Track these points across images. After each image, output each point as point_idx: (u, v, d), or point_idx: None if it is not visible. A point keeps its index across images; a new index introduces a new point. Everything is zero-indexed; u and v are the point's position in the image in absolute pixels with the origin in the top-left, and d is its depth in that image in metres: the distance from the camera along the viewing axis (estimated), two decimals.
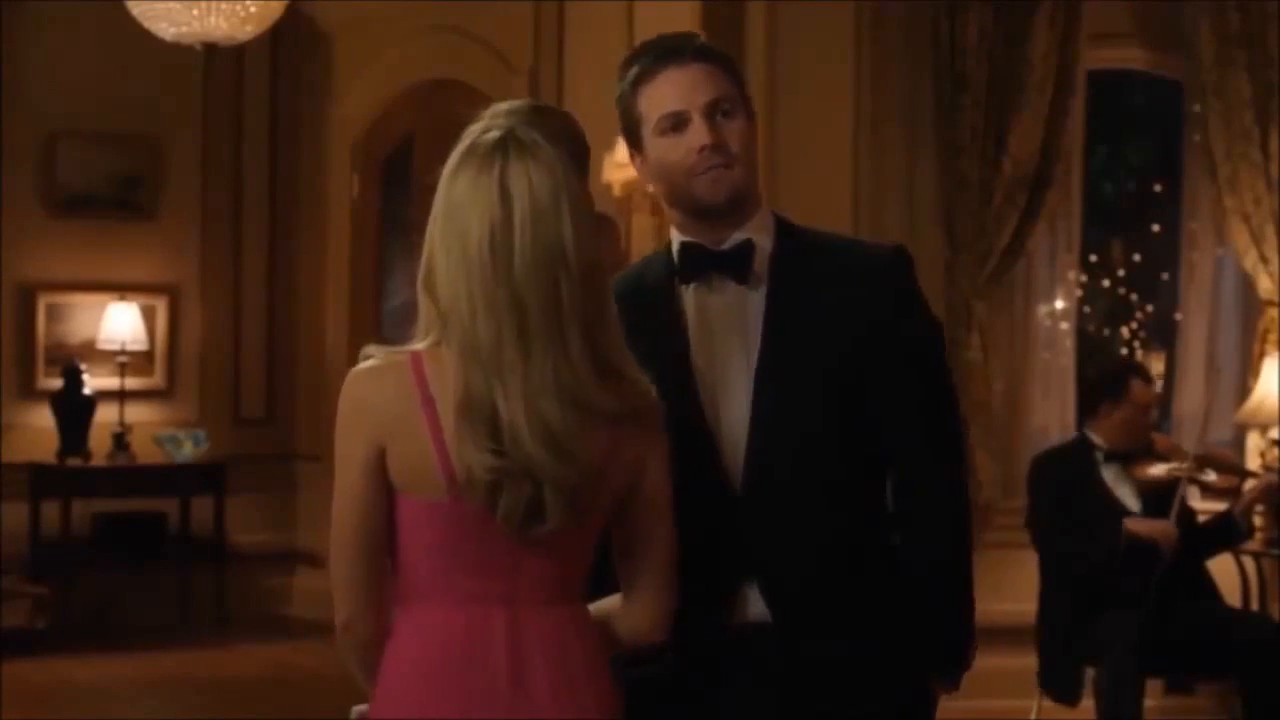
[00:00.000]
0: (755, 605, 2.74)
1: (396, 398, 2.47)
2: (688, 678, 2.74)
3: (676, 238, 2.84)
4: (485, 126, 2.53)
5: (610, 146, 6.82)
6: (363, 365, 2.52)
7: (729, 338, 2.77)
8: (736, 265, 2.77)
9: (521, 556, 2.49)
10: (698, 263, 2.79)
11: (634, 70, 2.81)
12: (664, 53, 2.80)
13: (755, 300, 2.78)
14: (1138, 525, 6.05)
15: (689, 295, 2.80)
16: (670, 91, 2.77)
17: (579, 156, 2.62)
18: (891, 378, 2.76)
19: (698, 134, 2.74)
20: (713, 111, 2.76)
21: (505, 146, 2.47)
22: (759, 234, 2.80)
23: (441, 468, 2.45)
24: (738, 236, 2.79)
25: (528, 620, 2.50)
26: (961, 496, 2.84)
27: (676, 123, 2.76)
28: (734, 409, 2.75)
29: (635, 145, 2.83)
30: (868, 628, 2.75)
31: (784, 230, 2.84)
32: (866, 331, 2.75)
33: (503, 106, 2.59)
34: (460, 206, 2.47)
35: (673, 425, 2.60)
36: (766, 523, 2.73)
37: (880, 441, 2.78)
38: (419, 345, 2.51)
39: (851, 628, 2.74)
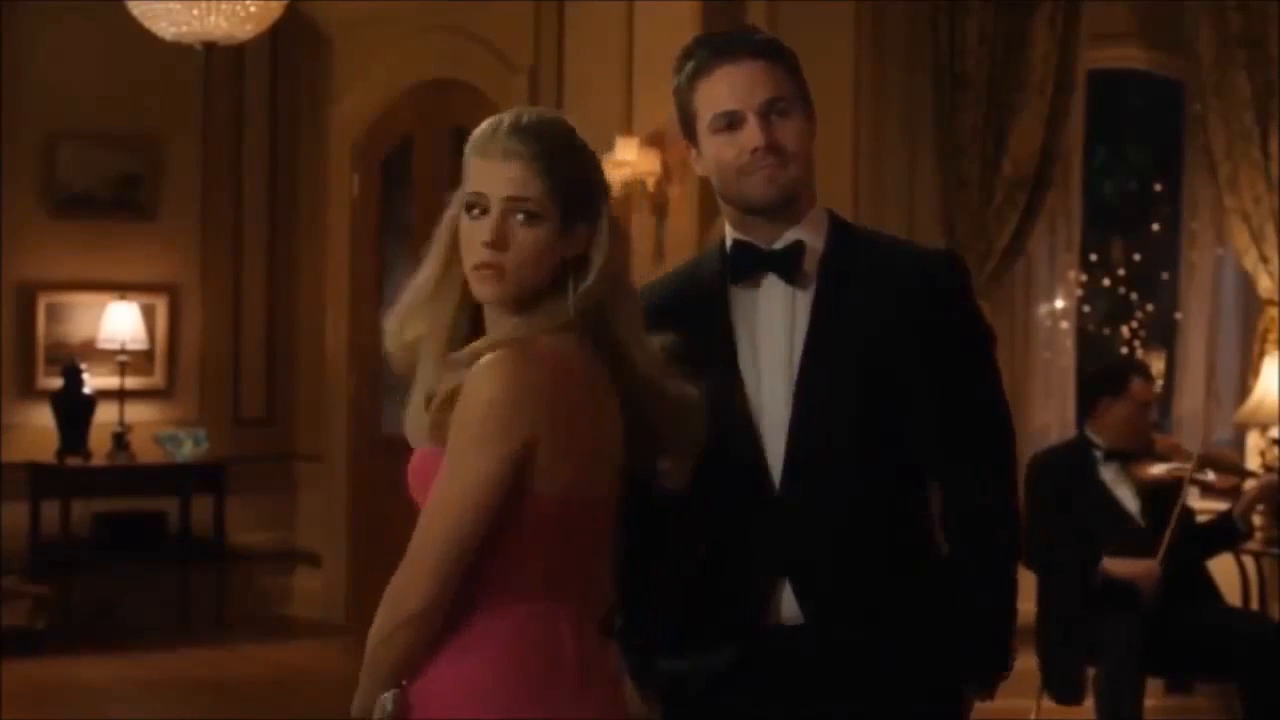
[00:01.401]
0: (788, 606, 2.72)
1: (559, 389, 2.44)
2: (720, 676, 2.74)
3: (730, 235, 2.82)
4: None
5: (610, 146, 6.83)
6: (516, 353, 2.44)
7: (774, 337, 2.75)
8: (786, 265, 2.75)
9: (602, 553, 2.51)
10: (748, 262, 2.77)
11: (690, 64, 2.77)
12: (721, 48, 2.76)
13: (803, 300, 2.75)
14: (1117, 566, 5.96)
15: (739, 294, 2.77)
16: (725, 90, 2.73)
17: None
18: (932, 381, 2.73)
19: (751, 135, 2.71)
20: (768, 111, 2.72)
21: None
22: (811, 233, 2.78)
23: (608, 460, 2.47)
24: (789, 236, 2.77)
25: (584, 616, 2.50)
26: (1007, 505, 2.81)
27: (731, 121, 2.73)
28: (775, 408, 2.73)
29: (691, 139, 2.80)
30: (900, 630, 2.73)
31: (837, 230, 2.81)
32: (906, 334, 2.72)
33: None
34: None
35: (717, 424, 2.60)
36: (801, 522, 2.71)
37: (921, 444, 2.75)
38: (566, 335, 2.49)
39: (883, 629, 2.72)
